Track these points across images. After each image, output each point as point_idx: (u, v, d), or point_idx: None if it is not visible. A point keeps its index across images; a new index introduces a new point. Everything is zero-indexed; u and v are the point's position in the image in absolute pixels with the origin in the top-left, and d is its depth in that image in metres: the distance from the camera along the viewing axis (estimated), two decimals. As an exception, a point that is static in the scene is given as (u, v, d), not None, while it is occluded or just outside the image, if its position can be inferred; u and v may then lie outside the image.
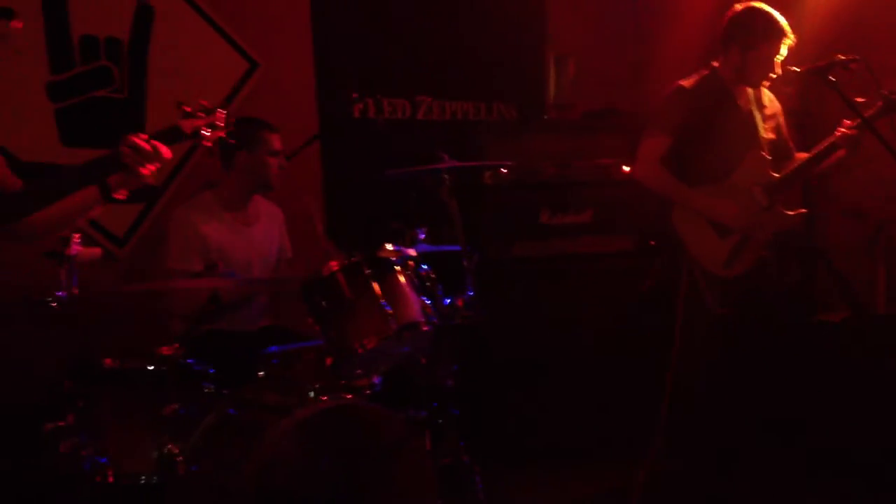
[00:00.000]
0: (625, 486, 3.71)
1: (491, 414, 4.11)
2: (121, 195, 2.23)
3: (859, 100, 3.26)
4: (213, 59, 4.40)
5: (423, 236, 3.46)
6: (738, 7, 3.56)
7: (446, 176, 3.49)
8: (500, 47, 5.03)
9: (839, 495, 3.68)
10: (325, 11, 4.66)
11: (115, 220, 4.13)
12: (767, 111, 3.67)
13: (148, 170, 2.18)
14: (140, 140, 2.14)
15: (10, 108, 3.90)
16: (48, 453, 2.98)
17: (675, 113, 3.55)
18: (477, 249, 3.47)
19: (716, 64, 3.62)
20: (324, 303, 3.10)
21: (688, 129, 3.52)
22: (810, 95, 4.17)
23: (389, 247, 3.20)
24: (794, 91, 4.06)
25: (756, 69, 3.52)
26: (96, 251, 3.29)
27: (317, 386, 3.11)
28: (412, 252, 3.26)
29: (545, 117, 5.05)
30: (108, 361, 3.00)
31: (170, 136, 2.23)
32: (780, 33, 3.45)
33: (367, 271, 3.09)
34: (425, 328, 3.14)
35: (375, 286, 3.08)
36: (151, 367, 2.97)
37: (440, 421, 3.30)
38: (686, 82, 3.59)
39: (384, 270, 3.14)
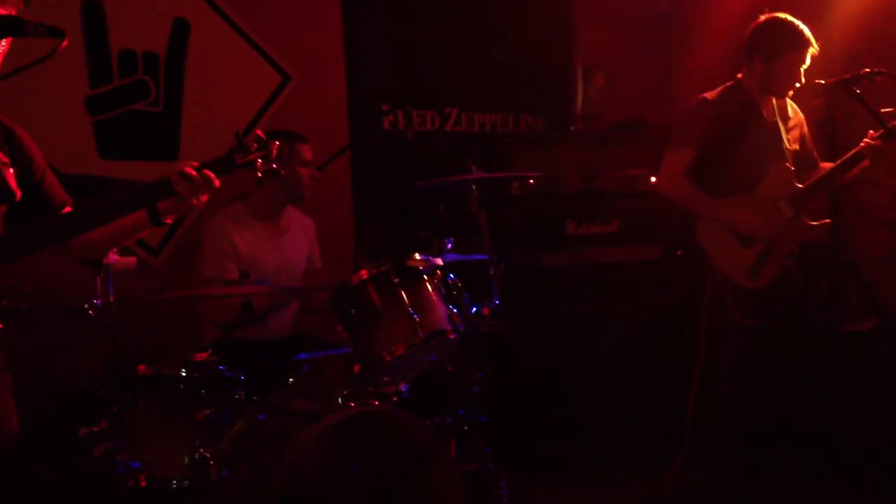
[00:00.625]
0: (650, 497, 3.71)
1: (516, 422, 4.13)
2: (168, 220, 2.27)
3: (885, 111, 3.26)
4: (246, 73, 4.49)
5: (450, 246, 3.50)
6: (762, 18, 3.58)
7: (474, 187, 3.53)
8: (529, 59, 5.06)
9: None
10: (356, 25, 4.73)
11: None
12: (791, 122, 3.68)
13: (198, 199, 2.22)
14: (191, 169, 2.18)
15: (50, 121, 4.01)
16: (83, 458, 3.05)
17: (699, 125, 3.56)
18: (504, 259, 3.50)
19: (740, 75, 3.63)
20: (353, 310, 3.15)
21: (712, 141, 3.53)
22: (837, 107, 4.16)
23: (417, 256, 3.24)
24: (821, 103, 4.06)
25: (781, 79, 3.52)
26: (131, 260, 3.37)
27: (345, 392, 3.17)
28: (440, 261, 3.30)
29: (573, 129, 5.08)
30: (142, 368, 3.06)
31: (222, 166, 2.26)
32: (805, 43, 3.46)
33: (396, 280, 3.14)
34: (452, 336, 3.17)
35: (403, 294, 3.12)
36: (185, 374, 3.03)
37: (466, 428, 3.33)
38: (710, 94, 3.61)
39: (412, 279, 3.18)
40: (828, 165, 3.62)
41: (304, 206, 4.03)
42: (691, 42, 5.13)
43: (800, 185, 3.56)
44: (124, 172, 4.15)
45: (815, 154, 3.75)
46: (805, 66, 3.49)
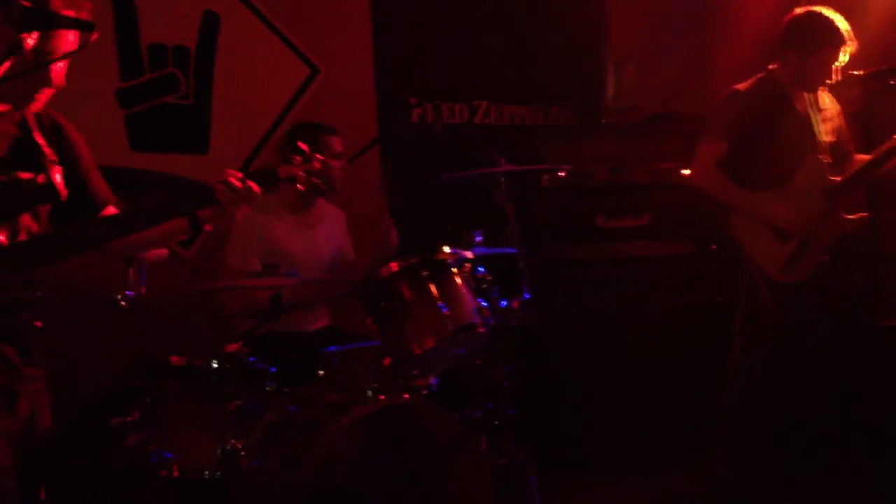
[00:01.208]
0: (681, 494, 3.69)
1: (546, 417, 4.12)
2: (208, 227, 2.29)
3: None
4: (275, 66, 4.49)
5: (479, 239, 3.49)
6: (799, 11, 3.53)
7: (503, 179, 3.52)
8: (559, 52, 5.03)
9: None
10: (385, 17, 4.73)
11: (181, 223, 4.25)
12: (826, 114, 3.62)
13: (240, 209, 2.24)
14: (235, 179, 2.20)
15: (82, 114, 4.01)
16: (116, 448, 3.08)
17: (731, 117, 3.53)
18: (533, 252, 3.49)
19: (773, 67, 3.58)
20: (382, 304, 3.15)
21: (744, 133, 3.49)
22: (873, 99, 4.10)
23: (447, 249, 3.24)
24: (857, 94, 4.00)
25: (813, 74, 3.48)
26: (163, 252, 3.40)
27: (375, 385, 3.17)
28: (469, 254, 3.30)
29: (603, 121, 5.04)
30: (174, 359, 3.09)
31: (265, 177, 2.28)
32: (840, 40, 3.40)
33: (425, 273, 3.14)
34: (481, 330, 3.17)
35: (433, 288, 3.12)
36: (216, 365, 3.05)
37: (496, 422, 3.32)
38: (742, 86, 3.57)
39: (441, 272, 3.18)
40: (864, 158, 3.57)
41: (334, 199, 4.04)
42: (723, 34, 5.07)
43: (835, 178, 3.51)
44: (155, 165, 4.18)
45: (851, 146, 3.70)
46: (839, 64, 3.44)
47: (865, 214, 3.58)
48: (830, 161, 3.54)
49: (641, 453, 4.12)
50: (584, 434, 4.17)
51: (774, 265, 3.50)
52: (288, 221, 3.81)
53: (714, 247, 3.90)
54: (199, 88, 4.33)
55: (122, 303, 3.22)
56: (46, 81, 2.04)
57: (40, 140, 2.10)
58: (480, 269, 3.31)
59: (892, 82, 3.25)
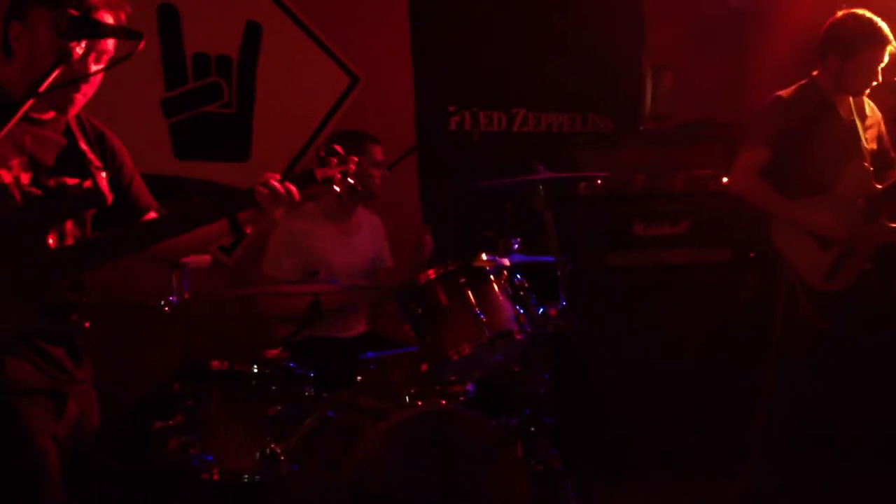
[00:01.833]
0: (720, 501, 3.66)
1: (583, 424, 4.11)
2: (248, 230, 2.32)
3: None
4: (316, 75, 4.55)
5: (517, 246, 3.50)
6: (839, 14, 3.50)
7: (541, 187, 3.53)
8: (597, 59, 5.03)
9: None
10: (424, 26, 4.76)
11: (223, 230, 4.32)
12: (869, 120, 3.59)
13: (279, 211, 2.27)
14: (275, 181, 2.24)
15: (128, 123, 4.11)
16: (158, 451, 3.13)
17: (773, 124, 3.50)
18: (570, 259, 3.49)
19: (815, 73, 3.56)
20: (420, 310, 3.17)
21: (787, 140, 3.47)
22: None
23: (484, 256, 3.25)
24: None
25: (856, 77, 3.44)
26: (206, 258, 3.45)
27: (412, 391, 3.19)
28: (506, 261, 3.30)
29: (641, 128, 5.03)
30: (215, 363, 3.13)
31: (303, 180, 2.31)
32: (882, 40, 3.37)
33: (463, 280, 3.15)
34: (518, 336, 3.17)
35: (470, 294, 3.13)
36: (256, 370, 3.09)
37: (532, 428, 3.33)
38: (784, 92, 3.54)
39: (479, 279, 3.19)
40: (906, 166, 3.53)
41: (372, 206, 4.08)
42: (761, 40, 5.02)
43: (878, 186, 3.47)
44: (198, 173, 4.25)
45: (893, 153, 3.66)
46: (883, 64, 3.41)
47: (909, 223, 3.53)
48: (873, 168, 3.50)
49: (678, 461, 4.09)
50: (621, 441, 4.15)
51: (815, 273, 3.46)
52: (328, 229, 3.85)
53: (752, 255, 3.87)
54: (242, 97, 4.40)
55: (166, 308, 3.28)
56: (84, 80, 2.09)
57: (85, 147, 2.15)
58: (518, 276, 3.32)
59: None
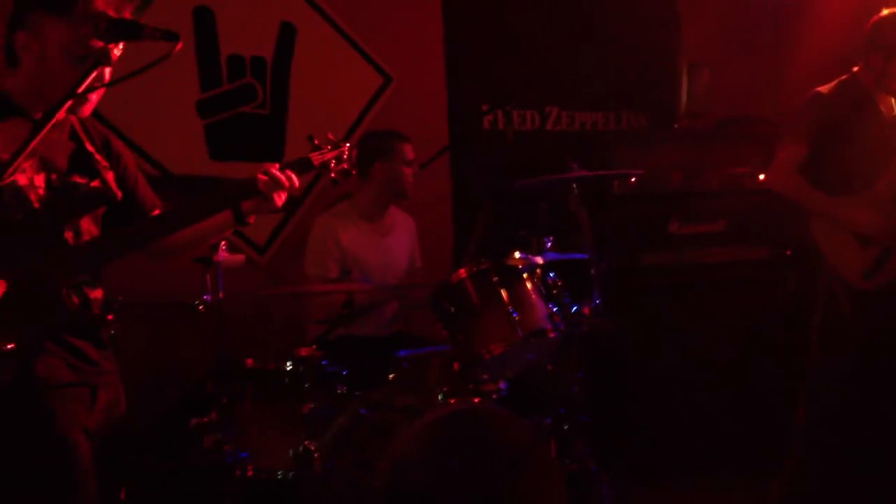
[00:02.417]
0: (759, 502, 3.62)
1: (618, 423, 4.08)
2: (251, 220, 2.37)
3: None
4: (349, 75, 4.57)
5: (550, 244, 3.48)
6: (885, 12, 3.43)
7: (575, 185, 3.51)
8: (632, 56, 4.99)
9: None
10: (456, 25, 4.76)
11: (256, 229, 4.31)
12: (910, 118, 3.52)
13: (280, 198, 2.31)
14: (275, 169, 2.28)
15: (164, 124, 4.17)
16: (194, 448, 3.16)
17: (813, 120, 3.44)
18: (604, 258, 3.47)
19: (856, 69, 3.50)
20: (452, 309, 3.17)
21: (826, 136, 3.41)
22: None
23: (517, 255, 3.24)
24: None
25: (898, 78, 3.38)
26: (240, 258, 3.48)
27: (445, 389, 3.18)
28: (539, 260, 3.29)
29: (676, 126, 4.99)
30: (249, 361, 3.16)
31: (300, 166, 2.36)
32: None
33: (495, 278, 3.14)
34: (552, 335, 3.16)
35: (503, 293, 3.12)
36: (290, 368, 3.11)
37: (566, 427, 3.31)
38: (824, 88, 3.48)
39: (512, 278, 3.18)
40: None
41: (404, 206, 4.08)
42: (799, 37, 4.96)
43: (920, 183, 3.40)
44: (233, 173, 4.27)
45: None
46: None
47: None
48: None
49: (713, 461, 4.05)
50: (655, 441, 4.12)
51: (855, 272, 3.40)
52: (361, 229, 3.86)
53: (790, 253, 3.82)
54: (276, 98, 4.43)
55: (200, 307, 3.31)
56: (100, 80, 2.11)
57: (91, 149, 2.20)
58: (551, 274, 3.30)
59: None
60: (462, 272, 3.19)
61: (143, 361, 3.75)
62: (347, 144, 2.47)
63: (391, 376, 3.30)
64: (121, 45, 2.00)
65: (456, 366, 3.15)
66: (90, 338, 2.12)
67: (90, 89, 1.97)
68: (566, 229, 3.56)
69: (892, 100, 3.48)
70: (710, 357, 4.19)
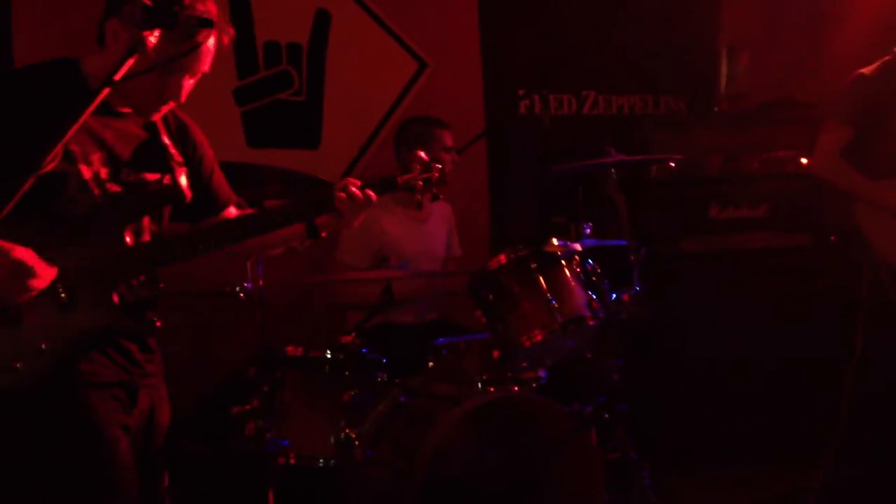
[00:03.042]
0: (798, 493, 3.58)
1: (658, 412, 4.06)
2: (324, 234, 2.31)
3: None
4: (384, 61, 4.55)
5: (588, 231, 3.46)
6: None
7: (613, 170, 3.48)
8: (670, 39, 4.92)
9: None
10: (492, 9, 4.73)
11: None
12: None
13: (358, 218, 2.24)
14: (354, 187, 2.21)
15: (201, 112, 4.16)
16: (236, 435, 3.18)
17: (857, 102, 3.39)
18: (644, 244, 3.43)
19: (899, 49, 3.43)
20: (490, 296, 3.15)
21: (869, 119, 3.35)
22: None
23: (555, 241, 3.21)
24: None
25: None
26: (279, 246, 3.49)
27: (484, 377, 3.18)
28: (578, 246, 3.26)
29: (716, 109, 4.92)
30: (290, 349, 3.17)
31: (383, 185, 2.29)
32: None
33: (534, 265, 3.12)
34: (591, 323, 3.13)
35: (541, 280, 3.10)
36: (330, 355, 3.12)
37: (606, 416, 3.29)
38: (867, 70, 3.42)
39: (550, 265, 3.16)
40: None
41: (442, 193, 4.06)
42: (840, 17, 4.87)
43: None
44: (270, 160, 4.28)
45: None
46: None
47: None
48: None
49: (754, 451, 4.02)
50: (695, 430, 4.08)
51: (901, 257, 3.35)
52: (399, 216, 3.86)
53: (833, 238, 3.76)
54: (312, 85, 4.43)
55: (241, 295, 3.33)
56: (175, 96, 2.08)
57: (167, 141, 2.15)
58: (590, 261, 3.28)
59: None
60: (500, 259, 3.17)
61: (184, 349, 3.79)
62: (439, 166, 2.37)
63: (430, 364, 3.30)
64: (156, 33, 1.98)
65: (495, 354, 3.14)
66: (137, 339, 2.10)
67: (126, 77, 1.95)
68: (604, 215, 3.53)
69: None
70: (750, 344, 4.14)
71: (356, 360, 3.12)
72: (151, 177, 2.10)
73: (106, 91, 1.84)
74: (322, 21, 4.43)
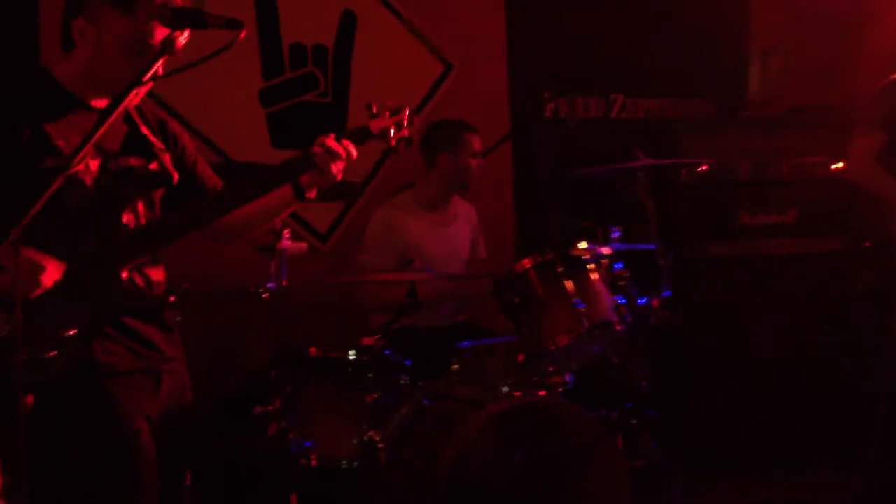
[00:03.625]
0: (830, 499, 3.52)
1: (687, 418, 4.01)
2: (311, 194, 2.33)
3: None
4: (410, 63, 4.53)
5: (616, 234, 3.41)
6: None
7: (641, 174, 3.44)
8: (698, 41, 4.86)
9: None
10: (519, 11, 4.70)
11: (318, 218, 4.35)
12: None
13: (338, 168, 2.26)
14: (331, 140, 2.25)
15: (226, 113, 4.18)
16: (258, 436, 3.17)
17: (890, 107, 3.33)
18: (672, 248, 3.39)
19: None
20: (516, 299, 3.12)
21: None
22: None
23: (583, 245, 3.18)
24: None
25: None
26: (303, 246, 3.49)
27: (509, 381, 3.15)
28: (606, 250, 3.23)
29: (746, 114, 4.86)
30: (312, 350, 3.15)
31: (358, 135, 2.31)
32: None
33: (560, 269, 3.09)
34: (618, 327, 3.10)
35: (568, 284, 3.07)
36: (353, 357, 3.10)
37: (633, 422, 3.24)
38: (900, 74, 3.36)
39: (577, 268, 3.13)
40: None
41: (466, 196, 4.04)
42: (873, 19, 4.80)
43: None
44: (295, 162, 4.29)
45: None
46: None
47: None
48: None
49: (786, 456, 3.97)
50: (725, 435, 4.03)
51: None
52: (424, 219, 3.83)
53: (868, 245, 3.69)
54: (337, 87, 4.42)
55: (264, 295, 3.32)
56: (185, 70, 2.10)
57: (146, 132, 2.19)
58: (618, 265, 3.24)
59: None
60: (526, 262, 3.14)
61: (207, 349, 3.78)
62: (408, 109, 2.39)
63: (454, 367, 3.27)
64: (186, 34, 1.98)
65: (520, 357, 3.11)
66: (155, 321, 2.12)
67: (155, 78, 1.95)
68: (633, 219, 3.49)
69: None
70: (782, 350, 4.08)
71: (379, 362, 3.11)
72: (137, 162, 2.14)
73: (135, 91, 1.87)
74: (348, 23, 4.42)
